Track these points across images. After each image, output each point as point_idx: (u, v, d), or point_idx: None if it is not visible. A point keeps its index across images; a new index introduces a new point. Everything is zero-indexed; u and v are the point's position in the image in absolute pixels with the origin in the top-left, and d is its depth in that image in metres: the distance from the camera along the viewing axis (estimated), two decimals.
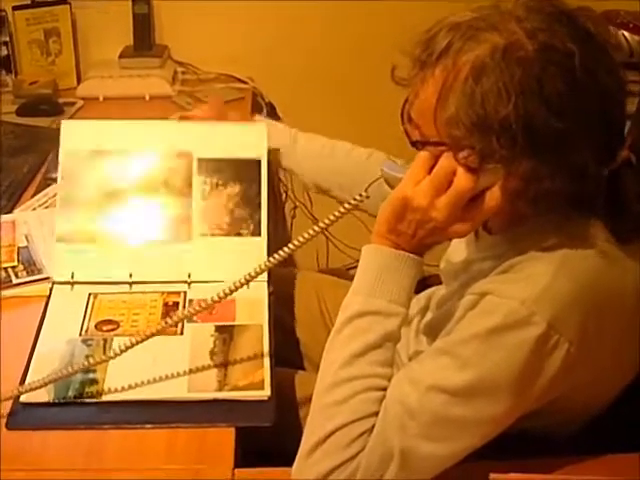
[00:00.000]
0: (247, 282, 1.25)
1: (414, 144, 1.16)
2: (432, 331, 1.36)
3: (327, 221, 1.22)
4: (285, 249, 1.24)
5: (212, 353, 1.42)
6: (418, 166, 1.15)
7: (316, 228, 1.22)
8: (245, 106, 2.29)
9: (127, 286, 1.56)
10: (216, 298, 1.25)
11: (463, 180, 1.12)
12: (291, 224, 2.39)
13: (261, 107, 2.36)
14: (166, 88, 2.40)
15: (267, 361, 1.39)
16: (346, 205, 1.22)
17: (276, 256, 1.24)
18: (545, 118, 1.05)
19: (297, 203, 2.16)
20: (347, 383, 1.16)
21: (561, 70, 1.06)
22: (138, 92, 2.36)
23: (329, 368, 1.18)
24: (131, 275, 1.56)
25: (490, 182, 1.13)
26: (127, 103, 2.30)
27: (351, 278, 1.25)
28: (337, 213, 1.22)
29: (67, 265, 1.57)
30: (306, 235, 1.23)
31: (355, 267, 1.26)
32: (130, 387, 1.33)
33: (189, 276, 1.56)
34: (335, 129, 1.75)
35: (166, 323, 1.29)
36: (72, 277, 1.55)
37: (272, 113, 2.40)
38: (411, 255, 1.19)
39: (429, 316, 1.51)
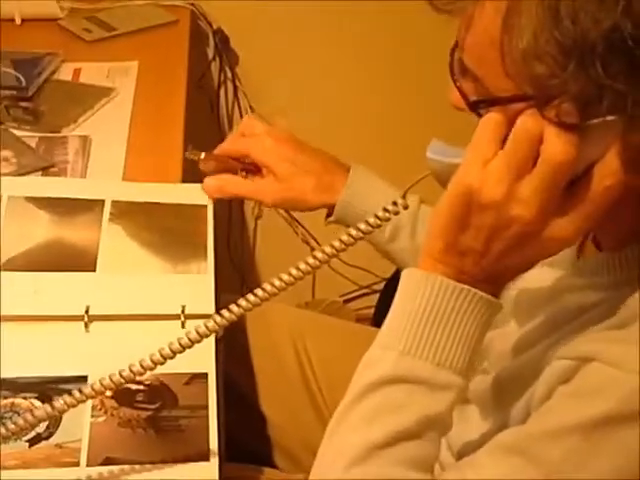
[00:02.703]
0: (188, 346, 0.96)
1: (473, 106, 0.91)
2: (492, 404, 1.07)
3: (339, 243, 0.96)
4: (266, 288, 0.96)
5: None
6: (484, 138, 0.89)
7: (319, 255, 0.95)
8: (180, 35, 1.83)
9: None
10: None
11: (557, 147, 0.86)
12: (254, 228, 2.13)
13: (205, 36, 2.02)
14: (51, 6, 1.86)
15: (214, 450, 1.05)
16: (371, 220, 0.97)
17: (242, 303, 0.96)
18: None
19: None
20: None
21: None
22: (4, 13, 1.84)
23: (334, 462, 0.91)
24: None
25: (601, 148, 0.87)
26: None
27: (354, 317, 1.19)
28: (355, 232, 0.97)
29: None
30: (301, 268, 0.96)
31: (359, 297, 1.28)
32: None
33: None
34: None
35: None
36: None
37: (224, 46, 2.03)
38: (482, 294, 0.91)
39: (488, 378, 1.12)
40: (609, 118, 0.84)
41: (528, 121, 0.87)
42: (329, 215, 1.30)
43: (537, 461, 0.86)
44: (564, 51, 0.83)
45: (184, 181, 1.37)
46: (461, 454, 1.08)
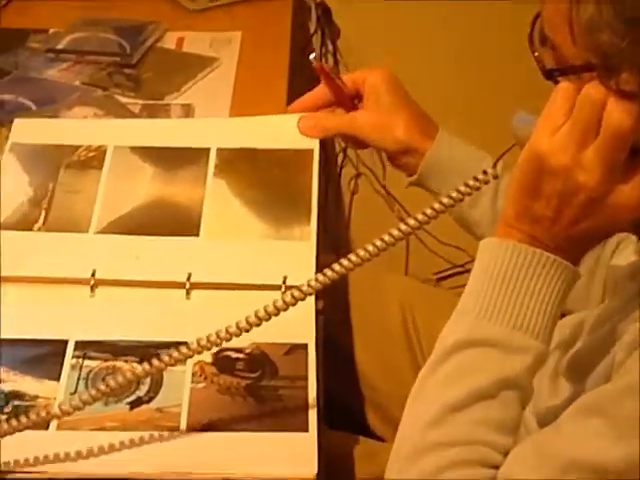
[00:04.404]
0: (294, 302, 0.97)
1: (548, 75, 0.94)
2: (580, 372, 1.07)
3: (431, 211, 0.97)
4: (359, 253, 0.97)
5: None
6: (555, 106, 0.92)
7: (411, 222, 0.96)
8: (283, 6, 1.79)
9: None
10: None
11: (616, 115, 0.88)
12: (350, 202, 2.12)
13: (307, 9, 2.00)
14: None
15: (312, 422, 1.03)
16: (462, 188, 0.97)
17: (336, 268, 0.97)
18: None
19: (362, 169, 2.02)
20: (438, 451, 0.90)
21: None
22: None
23: (413, 425, 0.94)
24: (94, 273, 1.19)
25: None
26: None
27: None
28: (447, 200, 0.97)
29: None
30: (394, 234, 0.96)
31: (451, 276, 1.26)
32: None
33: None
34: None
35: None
36: None
37: (325, 19, 2.01)
38: (555, 257, 0.92)
39: (577, 349, 1.14)
40: None
41: (591, 89, 0.90)
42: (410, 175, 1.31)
43: (613, 419, 0.87)
44: (624, 21, 0.87)
45: None
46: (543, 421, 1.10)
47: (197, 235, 1.22)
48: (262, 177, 1.30)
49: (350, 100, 1.30)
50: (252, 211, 1.26)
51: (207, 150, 1.30)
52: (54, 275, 1.16)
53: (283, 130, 1.31)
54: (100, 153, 1.29)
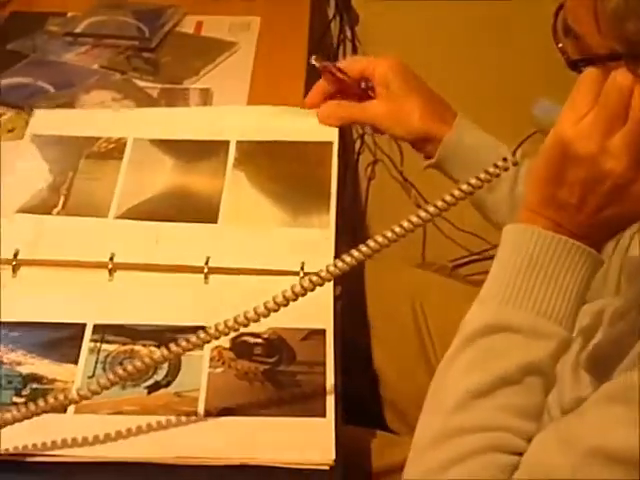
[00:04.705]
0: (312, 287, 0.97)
1: (573, 65, 0.94)
2: (601, 364, 1.07)
3: (450, 197, 0.96)
4: (377, 239, 0.96)
5: None
6: (580, 93, 0.91)
7: (431, 209, 0.96)
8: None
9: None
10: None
11: None
12: (367, 188, 2.11)
13: None
14: None
15: (330, 407, 1.03)
16: (481, 175, 0.96)
17: (354, 254, 0.96)
18: None
19: (379, 156, 2.03)
20: (460, 437, 0.90)
21: None
22: None
23: (435, 412, 0.93)
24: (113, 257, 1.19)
25: None
26: None
27: (465, 282, 1.16)
28: (466, 187, 0.96)
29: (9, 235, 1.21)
30: (412, 220, 0.96)
31: (469, 263, 1.25)
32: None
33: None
34: None
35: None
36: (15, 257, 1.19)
37: (344, 5, 2.02)
38: (580, 244, 0.92)
39: (598, 340, 1.14)
40: None
41: (618, 77, 0.89)
42: (427, 158, 1.30)
43: (636, 405, 0.86)
44: None
45: None
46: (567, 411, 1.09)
47: (215, 222, 1.22)
48: (281, 169, 1.30)
49: (360, 91, 1.30)
50: (271, 200, 1.27)
51: (226, 143, 1.30)
52: (73, 259, 1.16)
53: (302, 122, 1.32)
54: (120, 145, 1.30)
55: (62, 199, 1.23)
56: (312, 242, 1.19)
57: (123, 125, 1.33)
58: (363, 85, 1.29)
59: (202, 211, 1.23)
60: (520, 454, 0.91)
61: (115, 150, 1.29)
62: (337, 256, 1.12)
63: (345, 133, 1.65)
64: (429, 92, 1.32)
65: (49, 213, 1.22)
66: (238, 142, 1.30)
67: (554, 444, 0.90)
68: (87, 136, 1.31)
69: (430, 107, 1.30)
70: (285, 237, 1.20)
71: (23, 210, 1.22)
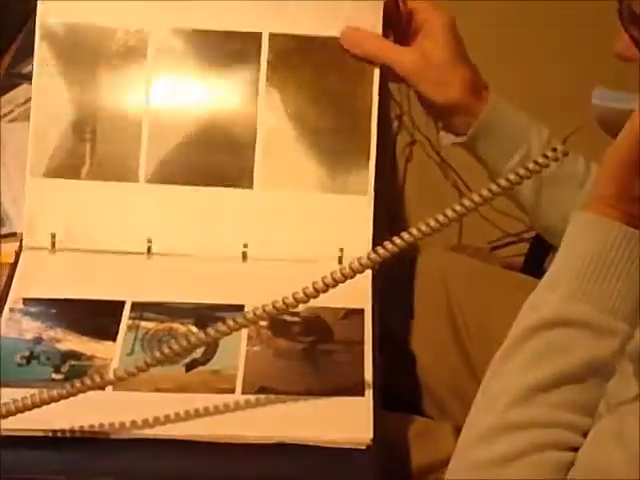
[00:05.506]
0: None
1: None
2: None
3: (496, 187, 0.93)
4: (420, 227, 0.95)
5: None
6: None
7: (476, 198, 0.94)
8: None
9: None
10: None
11: None
12: (405, 169, 2.09)
13: None
14: None
15: (368, 386, 1.04)
16: (530, 166, 0.93)
17: (397, 241, 0.95)
18: None
19: (417, 136, 2.04)
20: (519, 431, 0.88)
21: None
22: None
23: (490, 405, 0.91)
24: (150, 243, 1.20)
25: None
26: None
27: (500, 265, 1.17)
28: (513, 177, 0.93)
29: (45, 218, 1.21)
30: (457, 209, 0.94)
31: (507, 245, 1.29)
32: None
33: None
34: None
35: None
36: (53, 240, 1.19)
37: None
38: None
39: None
40: None
41: None
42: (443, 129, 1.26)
43: None
44: None
45: None
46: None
47: (251, 187, 1.20)
48: (319, 85, 1.21)
49: (402, 26, 1.21)
50: (307, 145, 1.21)
51: (259, 37, 1.20)
52: (109, 248, 1.17)
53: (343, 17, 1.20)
54: (141, 43, 1.21)
55: (88, 148, 1.19)
56: (350, 216, 1.18)
57: (142, 15, 1.23)
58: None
59: (236, 170, 1.19)
60: (576, 449, 0.90)
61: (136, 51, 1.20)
62: (374, 228, 1.13)
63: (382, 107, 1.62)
64: (471, 63, 1.27)
65: (78, 174, 1.20)
66: (271, 34, 1.20)
67: (609, 441, 0.89)
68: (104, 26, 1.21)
69: (472, 80, 1.25)
70: (323, 210, 1.19)
71: (49, 173, 1.19)
